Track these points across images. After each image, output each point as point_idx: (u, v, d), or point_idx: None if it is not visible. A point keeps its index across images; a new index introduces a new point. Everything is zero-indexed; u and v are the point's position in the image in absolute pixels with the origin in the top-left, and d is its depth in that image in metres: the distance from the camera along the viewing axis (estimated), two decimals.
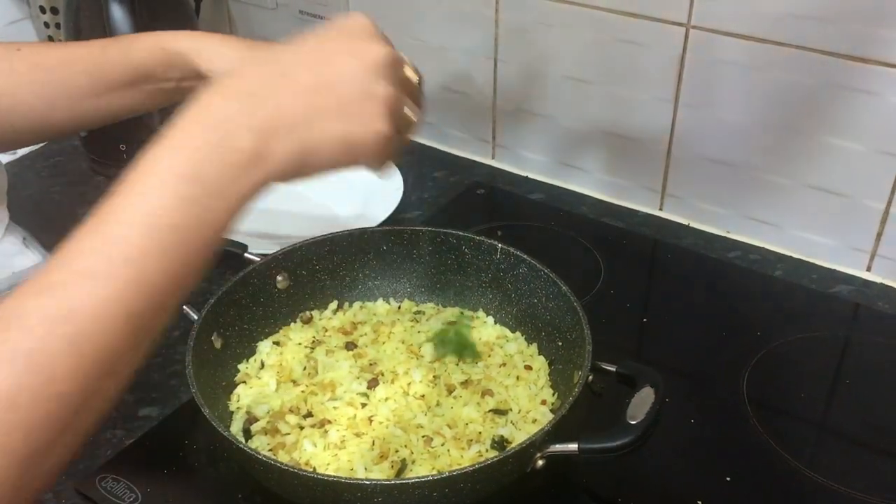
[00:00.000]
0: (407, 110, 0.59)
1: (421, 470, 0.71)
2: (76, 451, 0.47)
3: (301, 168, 0.53)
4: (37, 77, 0.78)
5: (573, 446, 0.67)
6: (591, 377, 0.73)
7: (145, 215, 0.48)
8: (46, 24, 1.37)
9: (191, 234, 0.49)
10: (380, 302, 0.92)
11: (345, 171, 0.56)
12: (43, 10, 1.35)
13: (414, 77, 0.61)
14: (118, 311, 0.46)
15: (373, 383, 0.80)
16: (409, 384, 0.80)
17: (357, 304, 0.91)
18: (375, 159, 0.57)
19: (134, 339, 0.48)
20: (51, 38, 1.38)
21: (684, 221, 1.12)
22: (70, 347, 0.45)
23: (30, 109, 0.78)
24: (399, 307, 0.91)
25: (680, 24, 1.00)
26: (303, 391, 0.79)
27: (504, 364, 0.83)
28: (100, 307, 0.46)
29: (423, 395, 0.79)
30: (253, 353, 0.85)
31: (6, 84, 0.77)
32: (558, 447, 0.68)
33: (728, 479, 0.76)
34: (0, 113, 0.77)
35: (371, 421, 0.76)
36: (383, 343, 0.85)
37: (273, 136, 0.51)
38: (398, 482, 0.67)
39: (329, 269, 0.90)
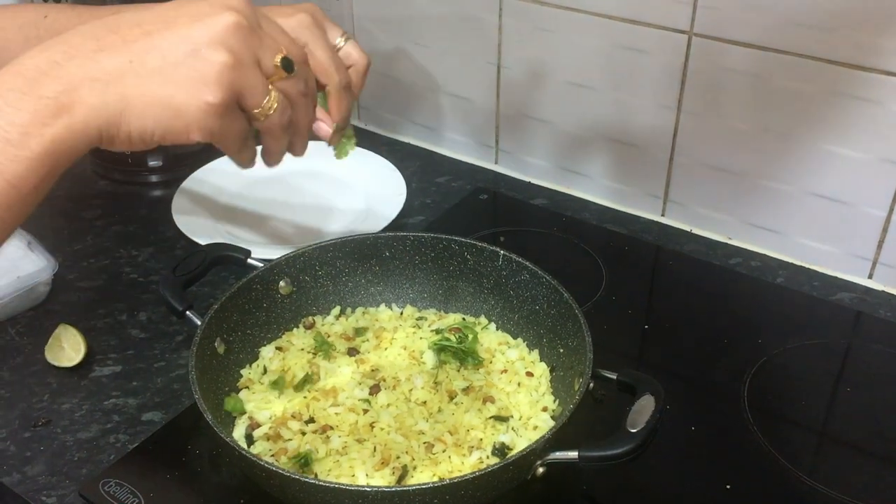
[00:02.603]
0: (259, 91, 0.54)
1: (422, 476, 0.71)
2: None
3: (115, 125, 0.50)
4: None
5: (573, 454, 0.67)
6: (592, 384, 0.74)
7: None
8: None
9: None
10: (382, 308, 0.92)
11: (171, 140, 0.52)
12: None
13: (276, 59, 0.54)
14: None
15: (375, 389, 0.80)
16: (411, 390, 0.80)
17: (359, 310, 0.92)
18: (208, 134, 0.53)
19: None
20: None
21: (686, 228, 1.12)
22: None
23: None
24: (401, 313, 0.91)
25: (682, 32, 1.00)
26: (305, 397, 0.80)
27: (505, 370, 0.83)
28: None
29: (424, 402, 0.79)
30: (256, 358, 0.85)
31: None
32: (559, 455, 0.68)
33: (728, 486, 0.76)
34: None
35: (373, 427, 0.76)
36: (385, 349, 0.85)
37: (83, 87, 0.49)
38: (399, 489, 0.67)
39: (331, 274, 0.90)
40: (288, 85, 0.56)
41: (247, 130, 0.56)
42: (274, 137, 0.59)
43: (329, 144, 0.74)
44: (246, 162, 0.60)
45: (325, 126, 0.71)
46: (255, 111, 0.55)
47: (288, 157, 0.67)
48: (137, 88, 0.50)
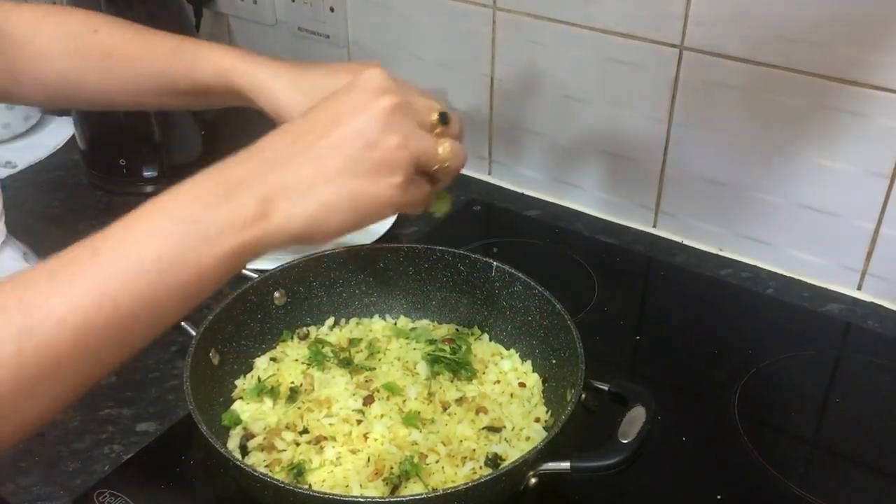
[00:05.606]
0: (433, 151, 0.59)
1: (415, 487, 0.72)
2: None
3: (312, 231, 0.55)
4: (106, 65, 0.81)
5: (565, 465, 0.68)
6: (583, 395, 0.74)
7: (132, 242, 0.52)
8: None
9: (172, 269, 0.51)
10: (376, 318, 0.93)
11: (367, 226, 0.57)
12: None
13: (434, 116, 0.61)
14: (75, 320, 0.48)
15: (368, 400, 0.80)
16: (405, 401, 0.81)
17: (353, 321, 0.92)
18: (399, 208, 0.58)
19: (89, 352, 0.49)
20: None
21: (678, 239, 1.13)
22: (13, 346, 0.46)
23: (97, 91, 0.83)
24: (395, 324, 0.92)
25: (674, 46, 1.01)
26: (299, 408, 0.80)
27: (498, 381, 0.84)
28: (58, 313, 0.48)
29: (418, 412, 0.79)
30: (250, 369, 0.85)
31: (78, 66, 0.81)
32: (551, 465, 0.68)
33: (719, 497, 0.77)
34: (71, 89, 0.82)
35: (366, 437, 0.77)
36: (379, 360, 0.86)
37: (279, 200, 0.54)
38: (392, 500, 0.68)
39: (326, 285, 0.91)
40: (448, 132, 0.62)
41: (429, 190, 0.62)
42: (448, 179, 0.64)
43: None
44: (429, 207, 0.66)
45: None
46: (435, 168, 0.60)
47: None
48: (330, 193, 0.55)
